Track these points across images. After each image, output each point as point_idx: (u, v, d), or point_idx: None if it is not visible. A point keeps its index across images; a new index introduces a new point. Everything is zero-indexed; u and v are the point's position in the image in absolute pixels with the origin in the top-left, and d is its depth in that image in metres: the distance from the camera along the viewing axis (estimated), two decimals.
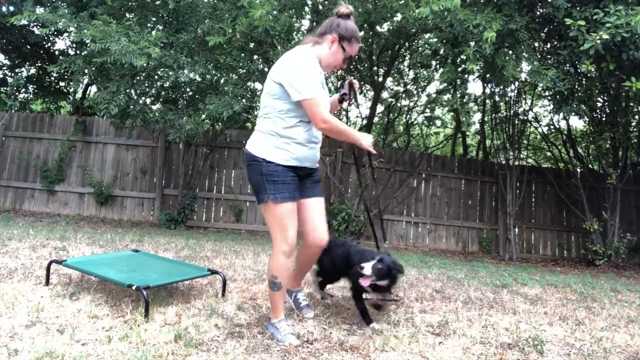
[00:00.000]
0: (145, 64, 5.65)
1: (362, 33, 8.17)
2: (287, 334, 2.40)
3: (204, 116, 6.61)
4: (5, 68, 9.32)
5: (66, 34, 8.99)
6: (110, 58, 5.51)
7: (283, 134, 2.41)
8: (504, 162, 8.05)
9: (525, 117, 8.18)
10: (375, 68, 8.86)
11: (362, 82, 9.50)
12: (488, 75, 6.99)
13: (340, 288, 3.59)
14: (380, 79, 8.99)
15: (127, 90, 6.35)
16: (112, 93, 6.07)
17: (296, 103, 2.36)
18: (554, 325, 3.08)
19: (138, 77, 6.58)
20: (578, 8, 5.57)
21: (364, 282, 2.57)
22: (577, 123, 10.16)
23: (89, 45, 5.83)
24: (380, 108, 9.90)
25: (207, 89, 6.66)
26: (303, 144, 2.45)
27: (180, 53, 6.27)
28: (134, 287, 2.60)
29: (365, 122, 9.15)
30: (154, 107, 7.23)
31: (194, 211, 7.73)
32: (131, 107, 6.38)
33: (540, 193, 8.43)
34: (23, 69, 9.63)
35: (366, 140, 2.45)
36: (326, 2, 7.62)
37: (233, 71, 6.66)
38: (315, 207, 2.62)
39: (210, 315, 2.68)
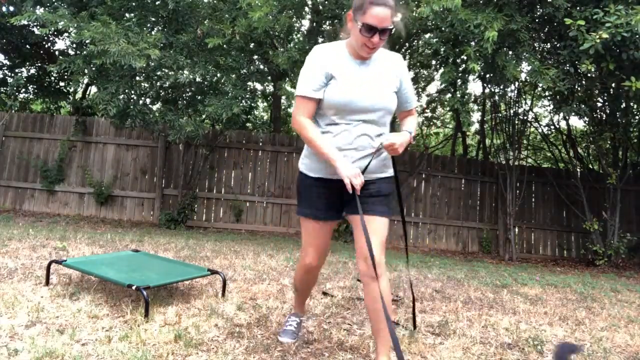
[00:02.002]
0: (144, 65, 5.64)
1: None
2: (285, 330, 2.43)
3: (204, 116, 6.60)
4: (5, 68, 9.31)
5: (66, 34, 8.99)
6: (110, 59, 5.51)
7: None
8: (504, 162, 8.05)
9: (525, 117, 8.18)
10: None
11: None
12: (488, 75, 6.99)
13: (340, 288, 3.59)
14: None
15: (127, 91, 6.35)
16: (112, 94, 6.07)
17: (323, 105, 2.08)
18: (554, 325, 3.08)
19: (137, 78, 6.57)
20: (578, 8, 5.57)
21: None
22: (577, 123, 10.16)
23: (88, 46, 5.83)
24: None
25: (207, 90, 6.66)
26: None
27: (179, 54, 6.27)
28: (134, 287, 2.60)
29: None
30: (154, 107, 7.23)
31: (194, 211, 7.73)
32: (131, 107, 6.37)
33: (540, 193, 8.43)
34: (23, 69, 9.62)
35: (346, 171, 1.94)
36: (326, 2, 7.61)
37: (233, 72, 6.66)
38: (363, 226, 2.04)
39: (210, 315, 2.68)
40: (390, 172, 2.20)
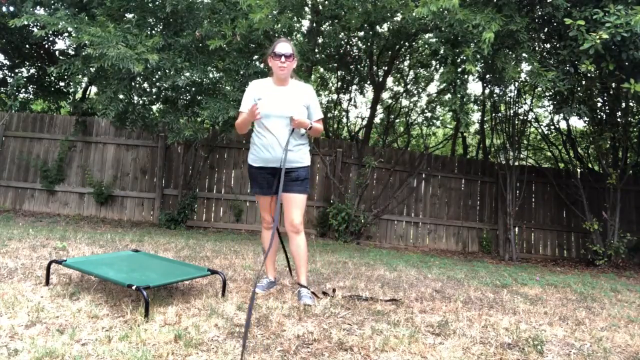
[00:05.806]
0: (142, 70, 5.60)
1: (362, 33, 8.18)
2: (258, 285, 3.24)
3: (203, 117, 6.59)
4: (5, 68, 9.31)
5: (66, 34, 8.98)
6: (108, 63, 5.49)
7: (252, 141, 3.22)
8: (504, 162, 8.05)
9: (525, 117, 8.18)
10: (375, 68, 8.86)
11: (362, 82, 9.51)
12: (488, 76, 6.99)
13: (340, 288, 3.59)
14: (381, 79, 8.99)
15: (126, 93, 6.32)
16: (110, 98, 6.05)
17: None
18: (554, 325, 3.08)
19: (137, 79, 6.56)
20: (578, 8, 5.57)
21: None
22: (577, 123, 10.17)
23: (87, 47, 5.81)
24: (380, 108, 9.91)
25: (206, 91, 6.64)
26: (260, 148, 3.14)
27: (178, 56, 6.24)
28: (134, 287, 2.60)
29: (365, 122, 9.13)
30: (154, 108, 7.21)
31: (194, 211, 7.73)
32: (130, 109, 6.36)
33: (540, 193, 8.43)
34: (23, 69, 9.61)
35: (247, 110, 3.10)
36: (326, 2, 7.61)
37: (231, 73, 6.64)
38: (287, 200, 3.17)
39: (210, 315, 2.68)
40: (306, 163, 3.19)
